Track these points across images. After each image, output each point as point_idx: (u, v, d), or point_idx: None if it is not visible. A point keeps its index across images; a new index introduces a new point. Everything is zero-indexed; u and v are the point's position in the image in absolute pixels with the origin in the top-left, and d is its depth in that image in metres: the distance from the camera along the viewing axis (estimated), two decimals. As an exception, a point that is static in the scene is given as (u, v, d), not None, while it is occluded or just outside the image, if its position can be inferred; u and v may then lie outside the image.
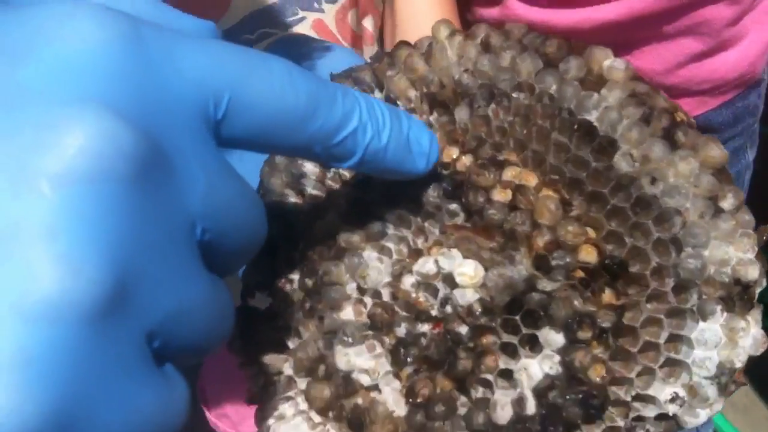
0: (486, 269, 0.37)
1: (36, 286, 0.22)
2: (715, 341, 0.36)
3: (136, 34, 0.26)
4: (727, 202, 0.36)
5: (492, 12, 1.00)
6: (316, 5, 0.84)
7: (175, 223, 0.26)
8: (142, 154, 0.24)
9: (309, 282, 0.42)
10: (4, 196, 0.22)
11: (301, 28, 0.81)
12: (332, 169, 0.43)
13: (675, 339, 0.36)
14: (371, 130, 0.33)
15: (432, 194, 0.39)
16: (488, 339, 0.38)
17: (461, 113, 0.40)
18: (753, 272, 0.35)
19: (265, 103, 0.30)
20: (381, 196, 0.40)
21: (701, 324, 0.36)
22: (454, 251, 0.38)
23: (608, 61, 0.38)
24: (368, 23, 0.93)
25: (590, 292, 0.37)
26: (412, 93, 0.41)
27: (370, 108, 0.33)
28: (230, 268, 0.30)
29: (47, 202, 0.22)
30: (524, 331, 0.37)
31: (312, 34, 0.79)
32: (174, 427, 0.26)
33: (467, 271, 0.37)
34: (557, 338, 0.36)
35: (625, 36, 0.97)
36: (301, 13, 0.87)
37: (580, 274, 0.37)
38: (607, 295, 0.37)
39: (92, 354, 0.23)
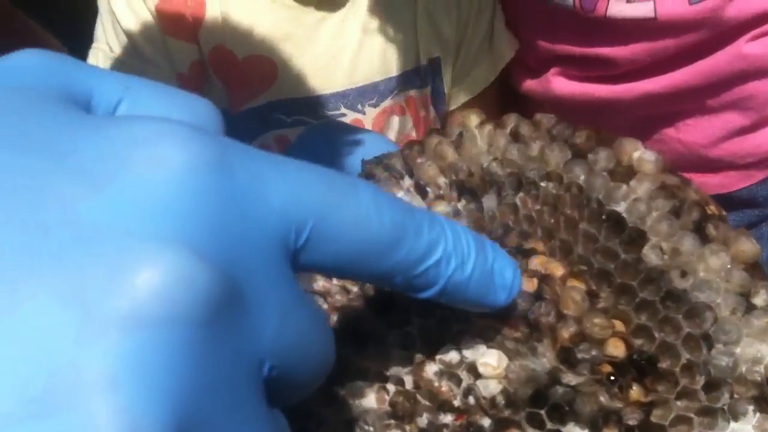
0: (510, 360, 0.37)
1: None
2: None
3: (223, 161, 0.25)
4: (760, 298, 0.35)
5: (532, 84, 1.01)
6: (359, 107, 0.86)
7: (243, 365, 0.25)
8: (218, 298, 0.23)
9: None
10: (68, 338, 0.21)
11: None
12: None
13: (706, 439, 0.35)
14: (455, 262, 0.31)
15: None
16: None
17: (489, 201, 0.40)
18: None
19: (349, 233, 0.28)
20: None
21: (732, 425, 0.35)
22: (479, 340, 0.38)
23: (638, 153, 0.38)
24: (410, 128, 0.95)
25: (617, 388, 0.36)
26: (442, 180, 0.41)
27: (456, 238, 0.32)
28: (293, 400, 0.28)
29: (112, 349, 0.21)
30: (549, 426, 0.36)
31: None
32: None
33: (490, 361, 0.37)
34: (583, 436, 0.36)
35: (667, 108, 0.97)
36: (343, 110, 0.88)
37: (607, 368, 0.36)
38: (635, 392, 0.36)
39: None
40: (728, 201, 1.02)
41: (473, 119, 0.42)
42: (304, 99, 0.89)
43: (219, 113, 0.28)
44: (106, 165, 0.23)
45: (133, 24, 0.98)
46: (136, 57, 0.98)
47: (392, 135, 0.97)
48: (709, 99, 0.94)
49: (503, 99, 1.05)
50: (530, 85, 1.00)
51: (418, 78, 0.91)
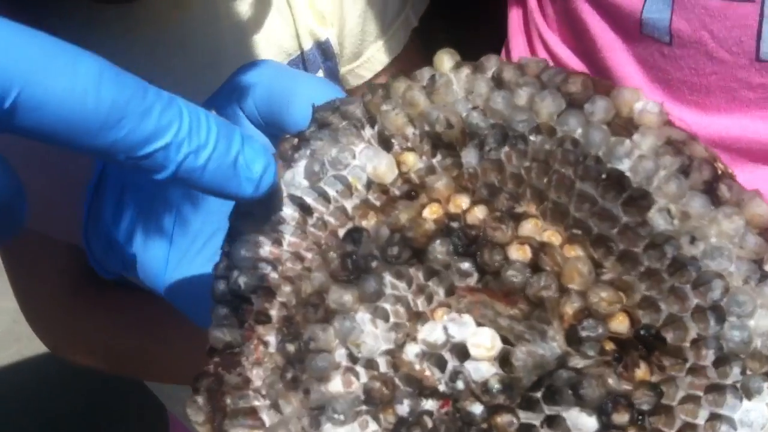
0: (504, 340, 0.33)
1: None
2: (762, 422, 0.32)
3: None
4: (775, 265, 0.32)
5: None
6: None
7: None
8: None
9: (290, 347, 0.36)
10: None
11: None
12: (315, 215, 0.37)
13: (715, 418, 0.32)
14: (187, 148, 0.32)
15: (439, 249, 0.34)
16: (503, 419, 0.33)
17: (469, 156, 0.35)
18: None
19: (58, 106, 0.29)
20: (377, 248, 0.35)
21: (746, 403, 0.32)
22: (466, 317, 0.33)
23: (640, 103, 0.33)
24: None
25: (622, 367, 0.32)
26: (410, 131, 0.36)
27: (194, 125, 0.32)
28: None
29: None
30: (547, 411, 0.33)
31: None
32: None
33: (483, 341, 0.32)
34: (589, 422, 0.32)
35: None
36: None
37: (610, 345, 0.33)
38: (642, 370, 0.33)
39: None
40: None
41: (446, 61, 0.36)
42: None
43: None
44: None
45: None
46: None
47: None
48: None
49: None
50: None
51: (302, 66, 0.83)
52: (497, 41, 0.79)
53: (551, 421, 0.33)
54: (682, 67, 0.63)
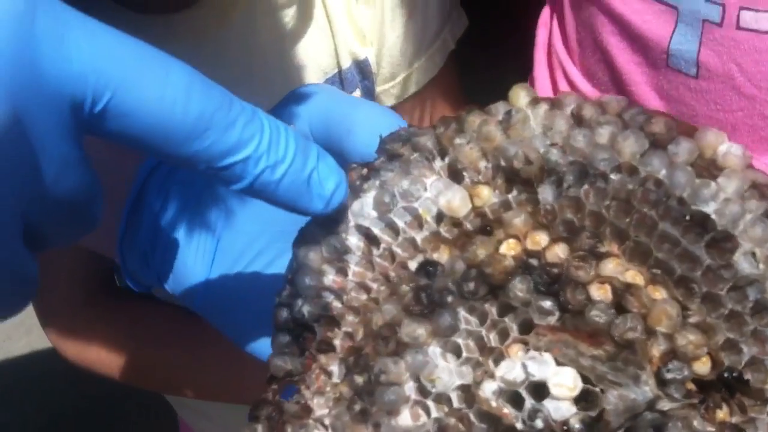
0: (584, 380, 0.32)
1: None
2: None
3: (29, 13, 0.26)
4: None
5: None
6: None
7: (9, 204, 0.27)
8: (4, 133, 0.25)
9: (359, 379, 0.36)
10: None
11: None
12: (381, 246, 0.37)
13: (795, 462, 0.32)
14: (265, 162, 0.32)
15: (520, 286, 0.33)
16: None
17: (545, 193, 0.35)
18: None
19: (149, 113, 0.29)
20: (453, 283, 0.35)
21: None
22: (547, 356, 0.33)
23: (724, 146, 0.34)
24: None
25: (704, 408, 0.32)
26: (483, 164, 0.36)
27: (274, 140, 0.33)
28: (54, 246, 0.31)
29: None
30: None
31: None
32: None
33: (566, 381, 0.32)
34: (673, 464, 0.32)
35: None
36: None
37: (691, 386, 0.33)
38: (723, 412, 0.32)
39: None
40: None
41: (522, 96, 0.36)
42: None
43: None
44: None
45: None
46: None
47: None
48: None
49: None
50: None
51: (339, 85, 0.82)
52: (513, 64, 0.80)
53: None
54: (708, 102, 0.63)
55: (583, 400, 0.33)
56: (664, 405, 0.32)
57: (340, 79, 0.78)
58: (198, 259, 0.49)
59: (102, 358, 0.82)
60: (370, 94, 0.80)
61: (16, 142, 0.26)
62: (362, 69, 0.78)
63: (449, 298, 0.34)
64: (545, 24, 0.74)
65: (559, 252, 0.34)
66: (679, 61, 0.62)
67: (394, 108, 0.83)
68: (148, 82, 0.29)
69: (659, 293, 0.33)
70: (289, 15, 0.74)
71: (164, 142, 0.30)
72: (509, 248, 0.35)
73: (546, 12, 0.75)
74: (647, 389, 0.31)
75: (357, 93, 0.79)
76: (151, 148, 0.31)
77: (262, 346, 0.50)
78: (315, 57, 0.76)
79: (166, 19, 0.70)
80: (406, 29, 0.79)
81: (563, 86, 0.72)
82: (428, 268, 0.35)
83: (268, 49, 0.75)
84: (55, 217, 0.30)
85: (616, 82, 0.67)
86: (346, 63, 0.78)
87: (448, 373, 0.34)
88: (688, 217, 0.33)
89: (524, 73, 0.77)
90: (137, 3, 0.69)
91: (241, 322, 0.50)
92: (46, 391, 1.96)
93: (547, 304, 0.33)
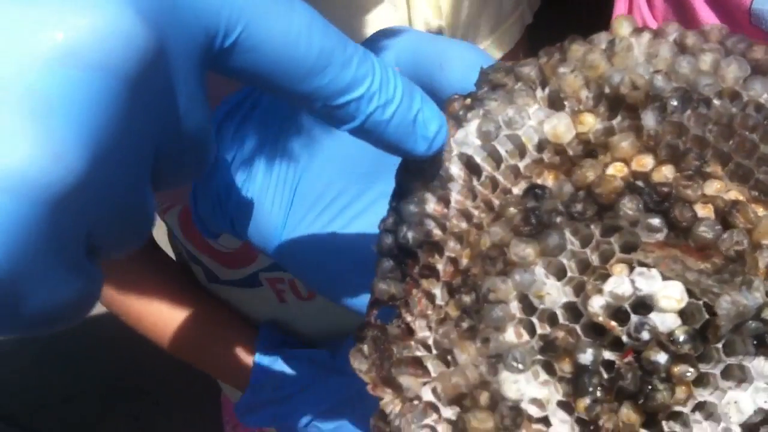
0: (691, 291, 0.34)
1: (14, 155, 0.22)
2: None
3: None
4: None
5: None
6: None
7: (142, 137, 0.27)
8: (149, 62, 0.25)
9: (466, 298, 0.37)
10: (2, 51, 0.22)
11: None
12: (483, 174, 0.38)
13: None
14: (377, 102, 0.33)
15: (629, 205, 0.35)
16: (681, 369, 0.34)
17: (648, 119, 0.36)
18: None
19: (274, 47, 0.30)
20: (561, 204, 0.36)
21: None
22: (654, 271, 0.34)
23: (825, 72, 0.35)
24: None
25: None
26: (584, 93, 0.37)
27: (385, 80, 0.33)
28: (170, 186, 0.31)
29: (48, 76, 0.22)
30: (728, 361, 0.34)
31: None
32: (87, 310, 0.28)
33: (674, 294, 0.34)
34: (776, 371, 0.33)
35: None
36: None
37: None
38: None
39: (40, 231, 0.23)
40: None
41: (625, 26, 0.38)
42: None
43: None
44: None
45: None
46: None
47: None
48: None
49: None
50: None
51: None
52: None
53: (731, 370, 0.34)
54: None
55: (684, 317, 0.34)
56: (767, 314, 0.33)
57: None
58: (276, 203, 0.50)
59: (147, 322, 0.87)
60: None
61: (159, 73, 0.26)
62: None
63: (558, 219, 0.36)
64: None
65: (666, 173, 0.35)
66: (760, 20, 0.63)
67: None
68: (275, 17, 0.30)
69: (762, 210, 0.35)
70: None
71: (286, 77, 0.31)
72: (617, 171, 0.36)
73: None
74: (758, 295, 0.33)
75: None
76: (271, 85, 0.31)
77: (338, 289, 0.51)
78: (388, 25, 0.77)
79: None
80: (483, 3, 0.80)
81: None
82: (536, 191, 0.37)
83: (338, 17, 0.76)
84: (179, 154, 0.30)
85: None
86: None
87: (556, 290, 0.36)
88: None
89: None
90: None
91: (318, 271, 0.51)
92: (56, 373, 1.98)
93: (656, 221, 0.35)
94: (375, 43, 0.47)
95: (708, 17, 0.65)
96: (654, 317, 0.34)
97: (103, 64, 0.23)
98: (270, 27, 0.30)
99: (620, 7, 0.75)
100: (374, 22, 0.77)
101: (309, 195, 0.50)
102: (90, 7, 0.23)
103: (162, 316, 0.88)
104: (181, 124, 0.29)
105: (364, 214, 0.50)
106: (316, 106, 0.32)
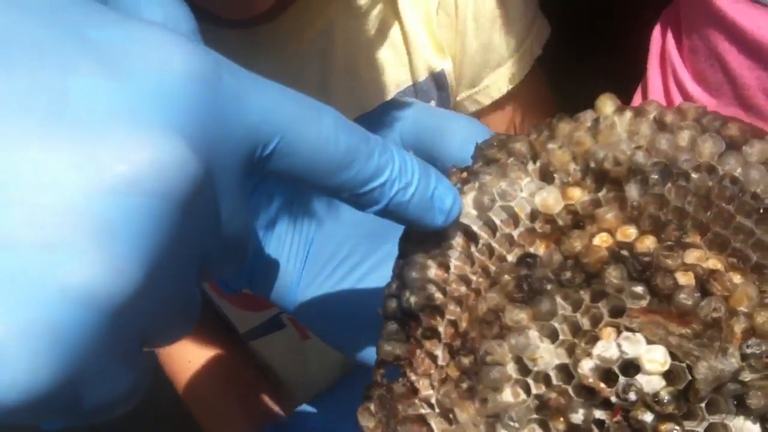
0: (674, 356, 0.36)
1: (84, 272, 0.25)
2: None
3: (215, 74, 0.29)
4: None
5: None
6: None
7: (192, 247, 0.30)
8: (199, 185, 0.28)
9: (466, 361, 0.40)
10: (71, 176, 0.25)
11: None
12: (480, 242, 0.41)
13: None
14: (398, 186, 0.36)
15: (614, 274, 0.38)
16: (667, 427, 0.37)
17: (632, 191, 0.39)
18: None
19: (308, 151, 0.33)
20: (551, 272, 0.39)
21: None
22: (638, 336, 0.37)
23: (794, 147, 0.38)
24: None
25: None
26: (572, 167, 0.40)
27: (402, 165, 0.36)
28: (214, 278, 0.35)
29: (113, 206, 0.26)
30: (711, 419, 0.36)
31: None
32: (139, 397, 0.30)
33: (657, 357, 0.36)
34: (754, 428, 0.36)
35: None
36: None
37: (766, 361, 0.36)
38: None
39: (104, 336, 0.26)
40: None
41: (609, 105, 0.40)
42: None
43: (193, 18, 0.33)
44: (126, 60, 0.27)
45: None
46: None
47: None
48: None
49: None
50: None
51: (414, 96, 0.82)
52: (620, 71, 0.82)
53: (711, 428, 0.36)
54: None
55: (670, 378, 0.37)
56: (746, 376, 0.36)
57: (414, 91, 0.81)
58: (290, 261, 0.53)
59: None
60: (445, 104, 0.83)
61: (206, 192, 0.29)
62: (438, 80, 0.81)
63: (548, 286, 0.39)
64: (661, 32, 0.77)
65: (649, 243, 0.38)
66: None
67: (477, 114, 0.86)
68: (308, 125, 0.33)
69: (738, 278, 0.37)
70: (366, 32, 0.77)
71: (318, 175, 0.34)
72: (602, 241, 0.39)
73: (661, 22, 0.77)
74: (733, 361, 0.35)
75: (432, 103, 0.82)
76: (306, 181, 0.34)
77: (350, 344, 0.54)
78: (389, 71, 0.80)
79: (247, 33, 0.75)
80: (488, 38, 0.82)
81: (674, 91, 0.75)
82: (528, 259, 0.39)
83: (341, 66, 0.79)
84: (220, 254, 0.33)
85: (729, 86, 0.70)
86: (422, 76, 0.81)
87: (548, 353, 0.38)
88: (761, 210, 0.37)
89: (636, 79, 0.80)
90: (219, 18, 0.74)
91: (334, 326, 0.54)
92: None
93: (639, 289, 0.37)
94: (382, 115, 0.51)
95: (739, 64, 0.65)
96: (640, 379, 0.37)
97: (159, 191, 0.26)
98: (303, 133, 0.33)
99: (653, 56, 0.77)
100: (379, 66, 0.80)
101: (322, 255, 0.53)
102: (148, 141, 0.26)
103: (183, 366, 0.90)
104: (225, 229, 0.32)
105: (373, 273, 0.53)
106: (342, 195, 0.36)
